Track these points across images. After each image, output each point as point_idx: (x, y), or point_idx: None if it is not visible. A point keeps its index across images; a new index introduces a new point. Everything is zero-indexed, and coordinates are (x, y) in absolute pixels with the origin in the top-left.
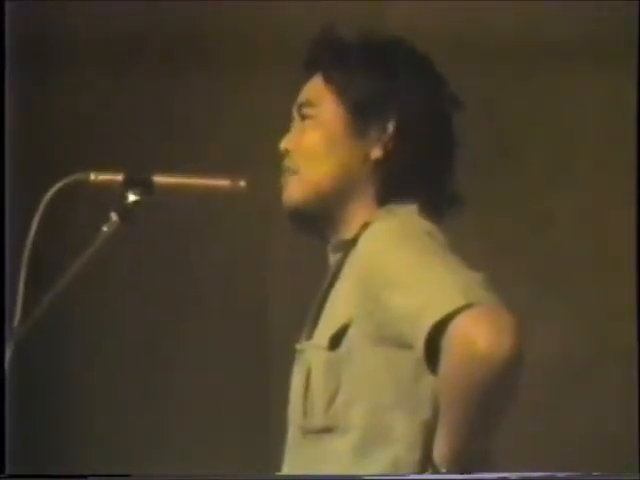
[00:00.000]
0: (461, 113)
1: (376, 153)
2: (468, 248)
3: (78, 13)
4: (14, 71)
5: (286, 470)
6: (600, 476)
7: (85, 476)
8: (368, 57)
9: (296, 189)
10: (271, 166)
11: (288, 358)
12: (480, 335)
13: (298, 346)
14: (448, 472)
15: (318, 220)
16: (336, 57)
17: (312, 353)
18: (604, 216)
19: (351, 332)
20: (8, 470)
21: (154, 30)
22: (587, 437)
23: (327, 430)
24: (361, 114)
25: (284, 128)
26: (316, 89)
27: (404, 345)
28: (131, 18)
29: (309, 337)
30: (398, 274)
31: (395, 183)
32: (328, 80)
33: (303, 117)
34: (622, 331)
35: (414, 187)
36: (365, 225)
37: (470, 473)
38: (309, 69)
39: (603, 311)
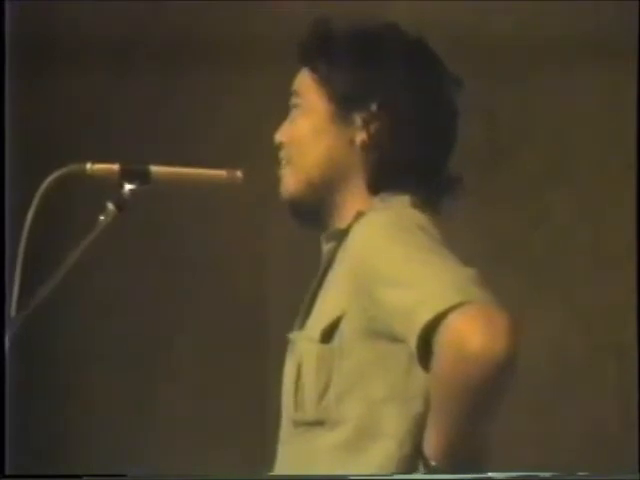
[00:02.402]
0: (460, 103)
1: (361, 136)
2: (467, 245)
3: (78, 13)
4: (14, 71)
5: (279, 462)
6: (597, 476)
7: (80, 476)
8: (351, 45)
9: (290, 180)
10: (268, 157)
11: (287, 351)
12: (473, 334)
13: (290, 335)
14: (438, 467)
15: (314, 210)
16: (320, 48)
17: (304, 345)
18: (604, 215)
19: (343, 325)
20: (8, 470)
21: (154, 30)
22: (586, 437)
23: (318, 423)
24: (344, 100)
25: (281, 120)
26: (302, 80)
27: (396, 339)
28: (131, 18)
29: (301, 327)
30: (391, 269)
31: (384, 168)
32: (313, 70)
33: (292, 107)
34: (621, 330)
35: (405, 172)
36: (358, 215)
37: (461, 467)
38: (301, 62)
39: (602, 310)
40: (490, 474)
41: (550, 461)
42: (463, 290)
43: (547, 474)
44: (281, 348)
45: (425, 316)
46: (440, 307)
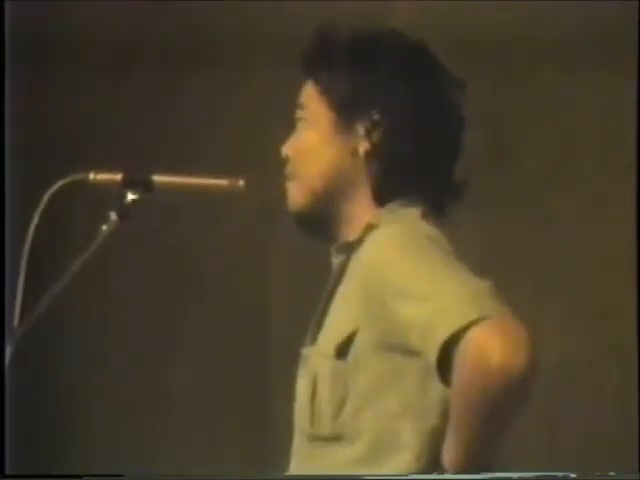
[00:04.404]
0: (461, 104)
1: (364, 145)
2: (468, 248)
3: (78, 13)
4: (14, 71)
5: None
6: (598, 476)
7: (80, 476)
8: (351, 54)
9: (297, 193)
10: (270, 166)
11: (288, 358)
12: (494, 348)
13: (303, 351)
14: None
15: (321, 221)
16: (321, 58)
17: (318, 361)
18: (604, 216)
19: (358, 340)
20: (8, 470)
21: (154, 30)
22: (587, 437)
23: (335, 438)
24: (345, 111)
25: (283, 128)
26: (307, 92)
27: (410, 353)
28: (131, 18)
29: (313, 341)
30: (405, 282)
31: (389, 176)
32: (316, 81)
33: (298, 120)
34: (622, 331)
35: (410, 179)
36: (368, 227)
37: (477, 474)
38: (304, 74)
39: (603, 311)
40: (504, 474)
41: (550, 461)
42: (481, 304)
43: (556, 474)
44: (283, 356)
45: (444, 331)
46: (459, 322)
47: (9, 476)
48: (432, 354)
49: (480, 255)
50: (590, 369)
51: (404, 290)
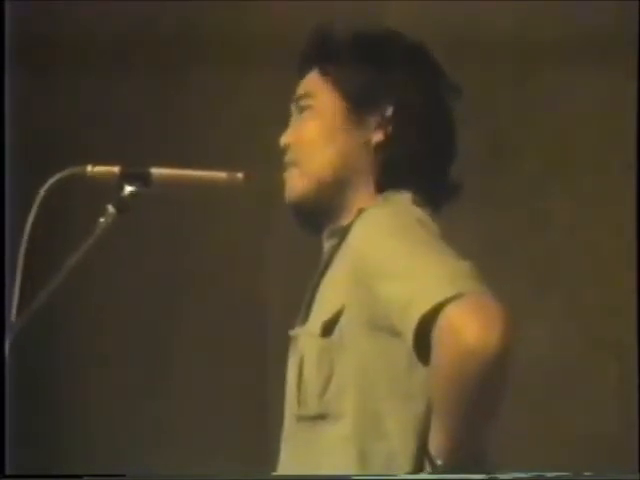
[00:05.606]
0: (460, 104)
1: (377, 137)
2: (466, 246)
3: (78, 13)
4: (14, 71)
5: (283, 459)
6: (597, 476)
7: (80, 476)
8: (362, 50)
9: (298, 182)
10: (269, 160)
11: (287, 354)
12: (469, 325)
13: (292, 332)
14: (444, 465)
15: (321, 212)
16: (330, 52)
17: (305, 340)
18: (604, 216)
19: (343, 319)
20: (8, 470)
21: (154, 30)
22: (586, 437)
23: (321, 417)
24: (358, 103)
25: (281, 123)
26: (313, 81)
27: (396, 333)
28: (131, 18)
29: (303, 323)
30: (388, 263)
31: (394, 169)
32: (324, 73)
33: (301, 109)
34: (621, 331)
35: (412, 173)
36: (359, 211)
37: (466, 465)
38: (305, 65)
39: (602, 310)
40: (496, 475)
41: (550, 461)
42: (458, 282)
43: (552, 474)
44: (281, 347)
45: (420, 309)
46: (435, 300)
47: (9, 476)
48: (410, 332)
49: (479, 254)
50: (590, 368)
51: (386, 270)
